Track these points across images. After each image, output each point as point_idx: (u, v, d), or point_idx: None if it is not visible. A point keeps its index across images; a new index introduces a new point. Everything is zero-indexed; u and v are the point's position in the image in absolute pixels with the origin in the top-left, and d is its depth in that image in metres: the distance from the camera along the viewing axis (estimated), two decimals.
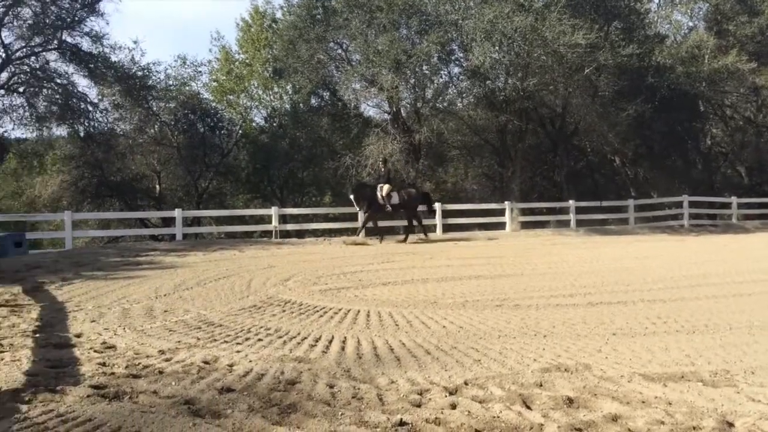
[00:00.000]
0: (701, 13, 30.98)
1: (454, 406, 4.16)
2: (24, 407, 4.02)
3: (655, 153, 29.53)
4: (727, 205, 27.37)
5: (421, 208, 19.74)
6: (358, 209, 18.40)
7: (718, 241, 18.76)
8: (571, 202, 23.90)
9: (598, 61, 22.56)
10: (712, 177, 30.55)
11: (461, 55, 24.25)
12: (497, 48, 21.84)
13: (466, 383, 4.69)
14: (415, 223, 19.35)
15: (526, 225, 22.98)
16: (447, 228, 21.59)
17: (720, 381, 4.70)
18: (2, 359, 5.33)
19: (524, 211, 23.88)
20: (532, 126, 26.91)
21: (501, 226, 22.35)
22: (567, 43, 21.01)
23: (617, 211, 25.31)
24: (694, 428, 3.74)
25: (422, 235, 19.35)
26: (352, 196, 18.31)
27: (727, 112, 31.03)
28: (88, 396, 4.24)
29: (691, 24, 31.74)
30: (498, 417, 3.96)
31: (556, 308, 7.89)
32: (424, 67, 23.48)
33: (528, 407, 4.16)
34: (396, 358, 5.50)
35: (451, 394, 4.47)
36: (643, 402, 4.22)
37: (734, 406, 4.15)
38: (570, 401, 4.24)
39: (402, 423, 3.85)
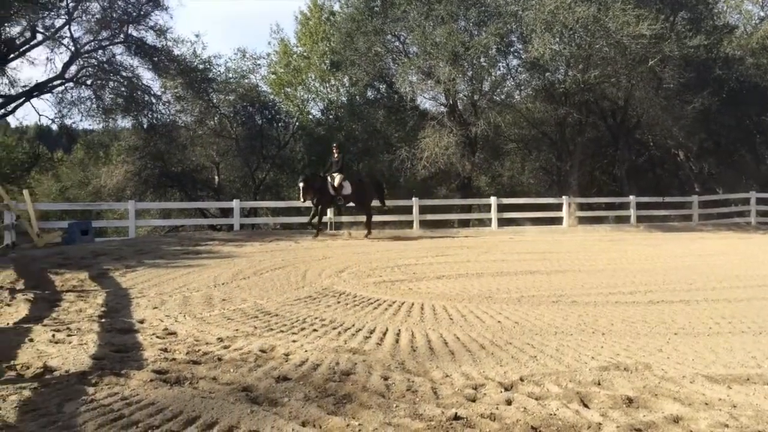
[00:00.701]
0: None
1: (509, 402, 4.12)
2: (90, 389, 4.18)
3: (722, 148, 28.45)
4: None
5: (375, 202, 18.17)
6: (302, 200, 16.48)
7: None
8: (631, 197, 23.28)
9: (663, 53, 21.82)
10: None
11: (520, 46, 23.85)
12: (558, 39, 21.38)
13: (521, 379, 4.63)
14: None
15: (584, 220, 22.50)
16: (502, 222, 21.34)
17: None
18: (70, 342, 5.55)
19: (582, 206, 23.37)
20: (593, 119, 26.29)
21: (558, 221, 21.97)
22: (631, 34, 20.39)
23: (680, 207, 24.53)
24: None
25: (365, 233, 17.59)
26: (300, 185, 16.36)
27: None
28: (150, 380, 4.37)
29: (762, 14, 30.33)
30: (555, 414, 3.90)
31: (615, 306, 7.71)
32: (482, 59, 23.18)
33: (586, 406, 4.08)
34: (450, 352, 5.47)
35: (506, 389, 4.42)
36: (706, 404, 4.09)
37: None
38: (629, 401, 4.14)
39: (457, 417, 3.83)
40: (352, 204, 17.59)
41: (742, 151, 28.75)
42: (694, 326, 6.53)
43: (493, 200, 21.39)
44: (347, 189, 17.04)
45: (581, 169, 25.68)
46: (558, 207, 22.26)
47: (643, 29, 20.24)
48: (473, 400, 4.18)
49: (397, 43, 25.41)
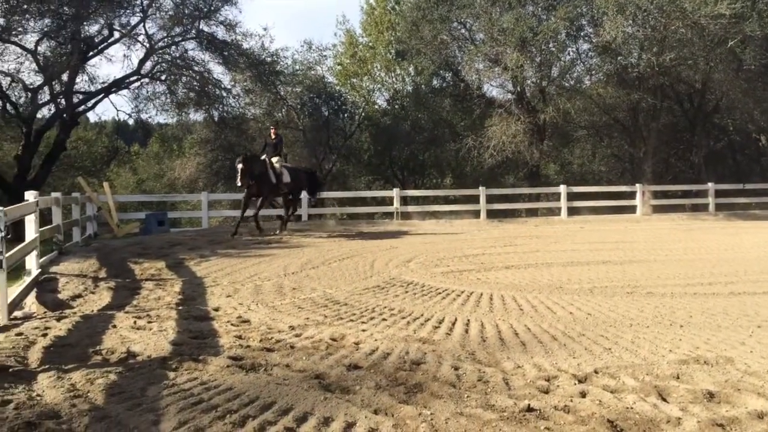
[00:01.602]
0: None
1: (584, 395, 4.04)
2: (171, 374, 4.34)
3: None
4: None
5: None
6: (240, 185, 13.65)
7: None
8: (710, 184, 22.34)
9: (744, 33, 20.74)
10: None
11: (591, 30, 23.19)
12: (631, 22, 20.68)
13: (596, 372, 4.53)
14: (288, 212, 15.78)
15: (658, 209, 21.77)
16: (572, 211, 20.88)
17: None
18: (150, 329, 5.78)
19: (657, 194, 22.60)
20: (668, 104, 25.32)
21: (631, 209, 21.33)
22: (709, 14, 19.50)
23: (762, 194, 23.36)
24: None
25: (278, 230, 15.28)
26: (239, 166, 13.53)
27: None
28: (227, 366, 4.51)
29: None
30: (631, 408, 3.80)
31: (694, 297, 7.43)
32: (551, 45, 22.67)
33: (664, 400, 3.96)
34: (521, 343, 5.40)
35: (580, 382, 4.33)
36: None
37: None
38: (711, 395, 3.99)
39: (530, 409, 3.78)
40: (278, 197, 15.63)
41: None
42: None
43: (562, 189, 20.95)
44: (286, 177, 14.76)
45: (655, 156, 24.81)
46: (631, 195, 21.61)
47: (722, 8, 19.32)
48: (546, 392, 4.12)
49: (463, 31, 25.13)
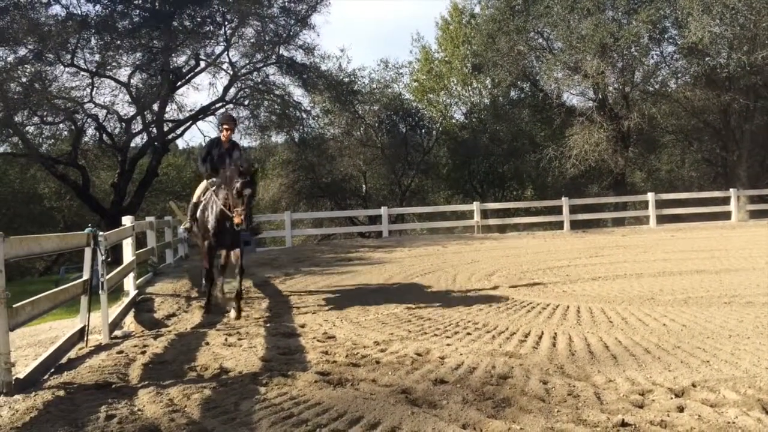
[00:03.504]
0: None
1: (681, 409, 3.87)
2: (262, 389, 4.46)
3: None
4: None
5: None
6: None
7: None
8: None
9: None
10: None
11: (675, 32, 22.45)
12: (718, 21, 19.86)
13: (693, 385, 4.33)
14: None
15: (755, 214, 20.64)
16: (662, 219, 20.09)
17: None
18: (240, 346, 5.96)
19: (753, 199, 21.45)
20: (762, 104, 24.05)
21: (725, 216, 20.32)
22: None
23: None
24: None
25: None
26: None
27: None
28: (315, 381, 4.59)
29: None
30: (733, 423, 3.61)
31: None
32: (633, 49, 22.08)
33: None
34: (612, 356, 5.23)
35: (677, 396, 4.15)
36: None
37: None
38: None
39: (624, 424, 3.65)
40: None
41: None
42: None
43: (650, 196, 20.21)
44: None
45: (750, 159, 23.59)
46: (725, 201, 20.60)
47: None
48: (641, 406, 3.97)
49: (540, 40, 24.84)
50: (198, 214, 8.47)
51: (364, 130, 28.55)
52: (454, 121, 31.16)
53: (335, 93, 24.60)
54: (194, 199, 8.72)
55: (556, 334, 6.15)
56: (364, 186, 28.97)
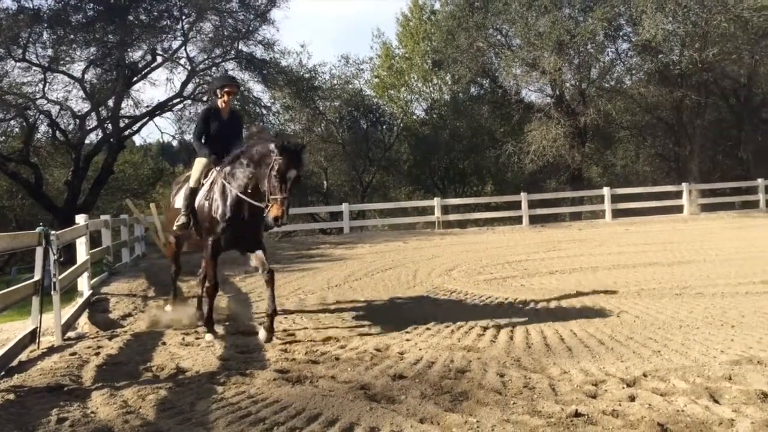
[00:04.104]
0: None
1: (632, 399, 3.96)
2: (220, 388, 4.42)
3: None
4: None
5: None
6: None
7: None
8: (759, 180, 21.66)
9: None
10: None
11: (629, 29, 22.90)
12: (671, 18, 20.34)
13: (645, 375, 4.44)
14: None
15: (707, 207, 21.20)
16: (617, 213, 20.50)
17: None
18: (198, 345, 5.90)
19: (704, 193, 22.02)
20: (713, 100, 24.72)
21: (678, 209, 20.82)
22: (752, 6, 19.12)
23: None
24: None
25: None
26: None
27: None
28: (274, 379, 4.57)
29: None
30: (682, 411, 3.71)
31: (745, 297, 7.23)
32: (589, 46, 22.46)
33: (716, 401, 3.85)
34: (567, 348, 5.34)
35: (628, 385, 4.25)
36: None
37: None
38: (764, 396, 3.86)
39: (577, 414, 3.72)
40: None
41: None
42: None
43: (606, 191, 20.60)
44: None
45: (702, 154, 24.23)
46: (677, 195, 21.10)
47: (766, 0, 18.86)
48: (594, 397, 4.05)
49: (499, 37, 25.07)
50: (198, 203, 6.62)
51: (325, 126, 28.42)
52: (414, 117, 31.25)
53: (295, 89, 24.45)
54: (191, 183, 6.78)
55: (513, 326, 6.24)
56: (325, 182, 28.87)
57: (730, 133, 26.45)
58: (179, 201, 6.99)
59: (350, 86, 28.54)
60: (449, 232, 18.46)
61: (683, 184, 21.19)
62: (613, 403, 3.90)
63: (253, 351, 5.62)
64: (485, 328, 6.21)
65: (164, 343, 6.00)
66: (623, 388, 4.19)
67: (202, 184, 6.68)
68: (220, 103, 6.88)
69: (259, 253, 6.37)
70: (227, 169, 6.38)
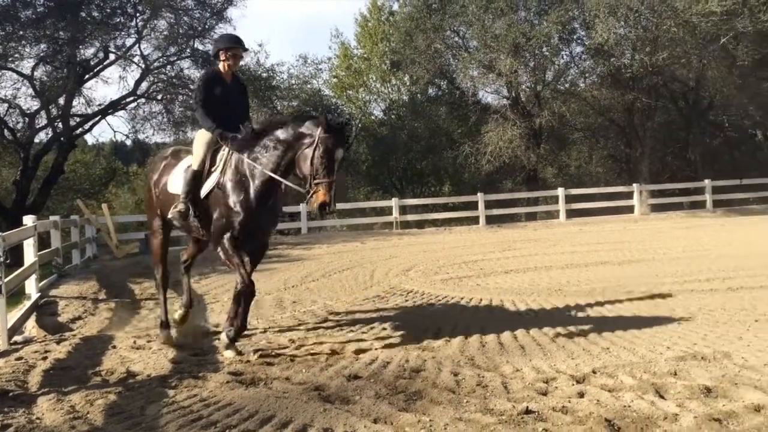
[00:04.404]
0: None
1: (582, 395, 4.05)
2: (171, 392, 4.35)
3: None
4: None
5: None
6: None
7: None
8: (706, 181, 22.35)
9: (736, 29, 20.87)
10: None
11: (583, 33, 23.36)
12: (623, 23, 20.81)
13: (594, 372, 4.54)
14: None
15: (656, 207, 21.76)
16: (571, 213, 20.89)
17: None
18: (150, 348, 5.80)
19: (654, 193, 22.60)
20: (663, 103, 25.38)
21: (629, 209, 21.32)
22: (700, 12, 19.67)
23: (760, 189, 23.32)
24: None
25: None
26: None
27: None
28: (227, 382, 4.52)
29: None
30: (629, 406, 3.81)
31: (692, 294, 7.45)
32: (544, 49, 22.84)
33: (661, 396, 3.97)
34: (520, 347, 5.42)
35: (578, 382, 4.34)
36: None
37: None
38: (708, 390, 3.99)
39: (528, 411, 3.79)
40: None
41: None
42: None
43: (560, 191, 20.98)
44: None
45: (652, 156, 24.85)
46: (629, 195, 21.61)
47: (713, 6, 19.49)
48: (544, 394, 4.13)
49: (456, 39, 25.28)
50: (207, 189, 5.55)
51: None
52: (373, 117, 31.29)
53: (253, 88, 24.18)
54: (195, 164, 5.65)
55: (468, 326, 6.30)
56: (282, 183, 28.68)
57: (679, 136, 27.19)
58: (175, 184, 5.85)
59: (308, 86, 28.40)
60: (407, 232, 18.55)
61: (634, 184, 21.72)
62: (563, 399, 3.97)
63: (207, 353, 5.55)
64: (440, 328, 6.26)
65: (115, 347, 5.88)
66: (573, 384, 4.28)
67: (217, 166, 5.59)
68: (222, 66, 5.94)
69: (253, 259, 5.72)
70: (247, 147, 5.49)
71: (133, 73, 22.75)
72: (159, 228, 6.13)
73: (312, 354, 5.35)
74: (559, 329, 5.98)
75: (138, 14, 21.46)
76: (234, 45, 5.95)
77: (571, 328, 5.99)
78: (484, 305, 7.42)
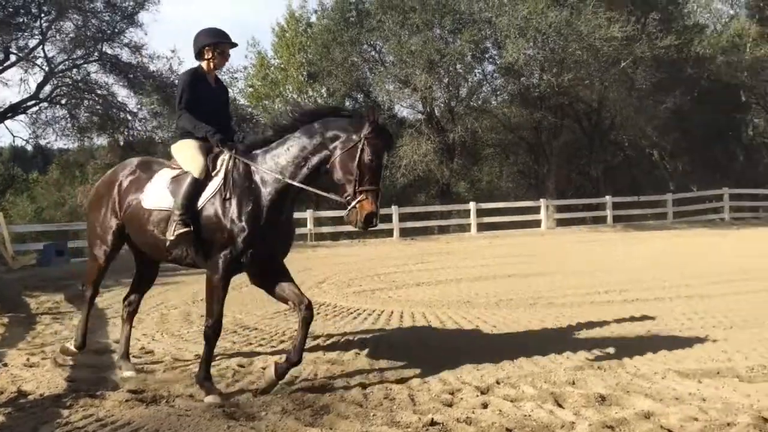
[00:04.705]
0: (742, 0, 30.21)
1: (485, 406, 4.16)
2: (65, 412, 4.15)
3: (696, 146, 28.85)
4: None
5: None
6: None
7: (760, 236, 18.22)
8: (607, 197, 23.52)
9: (635, 54, 22.19)
10: (755, 168, 29.74)
11: (495, 52, 24.11)
12: (531, 44, 21.67)
13: (498, 382, 4.68)
14: None
15: (562, 222, 22.70)
16: (482, 227, 21.43)
17: (757, 376, 4.60)
18: (45, 366, 5.50)
19: (560, 208, 23.57)
20: (568, 122, 26.56)
21: (536, 223, 22.13)
22: (603, 36, 20.74)
23: (655, 206, 24.78)
24: (728, 424, 3.67)
25: None
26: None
27: None
28: (126, 401, 4.35)
29: (731, 12, 30.99)
30: (529, 416, 3.95)
31: (591, 306, 7.81)
32: (458, 66, 23.42)
33: (560, 405, 4.14)
34: (429, 358, 5.49)
35: (482, 393, 4.46)
36: (677, 398, 4.17)
37: None
38: (602, 399, 4.20)
39: (433, 423, 3.86)
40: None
41: (714, 149, 29.17)
42: (667, 323, 6.65)
43: (472, 205, 21.50)
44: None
45: (558, 172, 25.91)
46: (536, 210, 22.43)
47: (615, 31, 20.59)
48: (450, 405, 4.22)
49: (373, 53, 25.55)
50: (203, 200, 4.69)
51: None
52: None
53: (165, 95, 23.55)
54: (196, 172, 4.76)
55: (379, 339, 6.35)
56: None
57: (583, 153, 28.50)
58: (158, 198, 4.89)
59: None
60: (321, 244, 18.50)
61: (541, 200, 22.57)
62: (467, 410, 4.07)
63: (106, 370, 5.32)
64: (351, 341, 6.27)
65: (5, 365, 5.54)
66: (477, 395, 4.40)
67: (216, 174, 4.75)
68: (205, 65, 5.20)
69: (288, 282, 4.96)
70: (258, 150, 4.74)
71: (36, 76, 21.71)
72: (103, 256, 5.35)
73: (218, 369, 5.24)
74: (467, 340, 6.12)
75: (43, 15, 20.51)
76: (221, 40, 5.16)
77: (479, 340, 6.15)
78: (395, 318, 7.49)
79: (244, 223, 4.52)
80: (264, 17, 71.93)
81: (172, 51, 32.08)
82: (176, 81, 24.38)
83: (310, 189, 4.73)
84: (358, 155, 4.35)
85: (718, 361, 5.09)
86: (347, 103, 29.08)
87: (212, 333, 4.66)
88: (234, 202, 4.57)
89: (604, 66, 22.36)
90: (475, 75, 25.08)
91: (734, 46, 26.59)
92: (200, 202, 4.68)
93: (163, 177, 4.99)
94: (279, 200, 4.63)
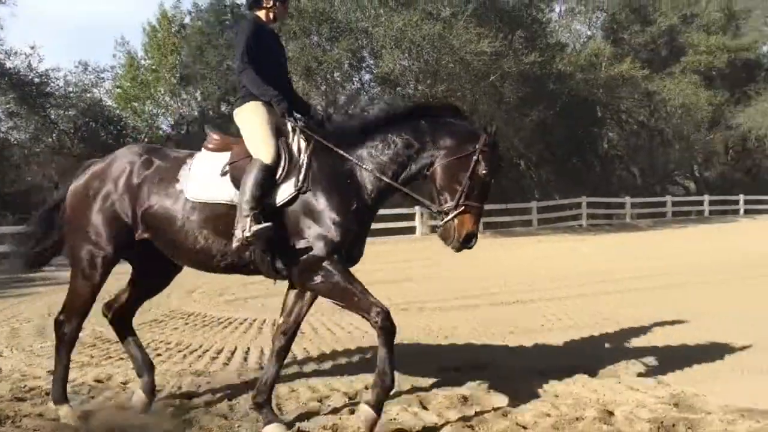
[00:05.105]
0: (599, 22, 32.68)
1: (353, 412, 4.19)
2: None
3: (558, 156, 30.72)
4: (622, 205, 28.89)
5: None
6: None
7: (613, 241, 19.71)
8: None
9: (503, 69, 23.28)
10: (609, 178, 32.11)
11: (372, 62, 24.47)
12: (407, 55, 22.19)
13: (366, 387, 4.72)
14: None
15: (435, 228, 23.34)
16: None
17: (604, 373, 4.96)
18: None
19: (433, 215, 24.25)
20: None
21: (411, 230, 22.62)
22: (473, 50, 21.58)
23: (522, 213, 26.06)
24: (577, 419, 3.93)
25: None
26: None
27: (622, 117, 32.68)
28: None
29: (589, 33, 33.39)
30: (395, 419, 4.04)
31: (460, 310, 8.11)
32: (336, 74, 23.57)
33: (425, 408, 4.26)
34: (298, 366, 5.51)
35: (350, 399, 4.51)
36: (533, 396, 4.41)
37: (614, 396, 4.39)
38: (465, 399, 4.37)
39: (299, 431, 3.86)
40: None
41: (574, 160, 31.21)
42: (528, 325, 7.02)
43: None
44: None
45: None
46: (411, 217, 22.89)
47: (484, 46, 21.50)
48: (317, 413, 4.23)
49: None
50: (284, 194, 3.94)
51: (57, 137, 25.92)
52: (161, 132, 29.88)
53: (22, 93, 22.00)
54: (266, 157, 3.90)
55: (249, 348, 6.25)
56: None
57: None
58: (215, 186, 4.06)
59: (88, 95, 26.42)
60: None
61: (415, 207, 23.06)
62: (334, 417, 4.11)
63: None
64: (219, 351, 6.13)
65: None
66: (346, 401, 4.44)
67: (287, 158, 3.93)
68: (263, 14, 4.33)
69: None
70: (346, 138, 4.05)
71: None
72: (98, 272, 4.34)
73: (73, 386, 4.94)
74: (338, 347, 6.16)
75: None
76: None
77: (349, 345, 6.20)
78: (267, 326, 7.40)
79: (346, 221, 3.94)
80: (134, 16, 68.63)
81: (32, 48, 29.79)
82: (36, 80, 22.89)
83: (413, 194, 4.26)
84: (472, 166, 3.88)
85: (573, 358, 5.45)
86: (223, 108, 28.47)
87: (389, 324, 4.07)
88: (325, 195, 3.89)
89: (474, 79, 23.27)
90: (353, 83, 25.36)
91: (591, 65, 28.58)
92: (280, 196, 3.89)
93: (207, 161, 4.21)
94: (379, 202, 4.19)
